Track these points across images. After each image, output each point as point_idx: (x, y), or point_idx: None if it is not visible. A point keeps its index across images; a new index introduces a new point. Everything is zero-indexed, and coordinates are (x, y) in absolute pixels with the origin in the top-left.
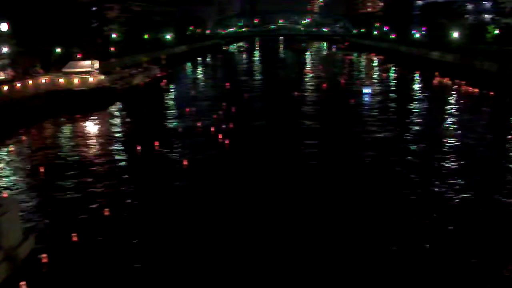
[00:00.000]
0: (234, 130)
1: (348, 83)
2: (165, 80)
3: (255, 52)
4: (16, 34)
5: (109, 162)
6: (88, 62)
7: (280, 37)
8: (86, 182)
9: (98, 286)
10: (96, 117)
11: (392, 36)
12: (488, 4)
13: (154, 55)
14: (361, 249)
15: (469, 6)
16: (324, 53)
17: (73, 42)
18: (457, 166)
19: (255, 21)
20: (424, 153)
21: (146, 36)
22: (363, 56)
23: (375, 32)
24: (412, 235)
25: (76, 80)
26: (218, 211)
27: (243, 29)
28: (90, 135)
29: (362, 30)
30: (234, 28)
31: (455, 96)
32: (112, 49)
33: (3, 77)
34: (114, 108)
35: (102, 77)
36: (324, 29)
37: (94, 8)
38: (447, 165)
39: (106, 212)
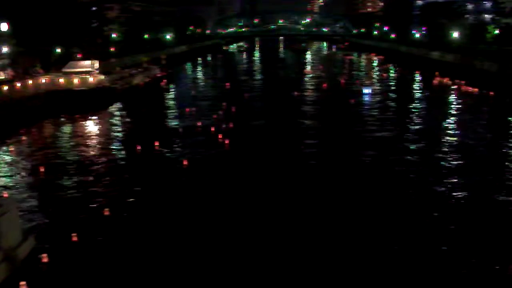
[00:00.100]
0: (234, 130)
1: (348, 83)
2: (165, 80)
3: (255, 52)
4: (16, 34)
5: (109, 162)
6: (88, 62)
7: (280, 37)
8: (86, 182)
9: (98, 286)
10: (96, 117)
11: (392, 36)
12: (488, 4)
13: (154, 55)
14: (361, 248)
15: (469, 6)
16: (324, 53)
17: (73, 42)
18: (456, 166)
19: (255, 21)
20: (424, 152)
21: (146, 36)
22: (363, 56)
23: (375, 32)
24: (412, 234)
25: (76, 80)
26: (218, 211)
27: (243, 29)
28: (90, 135)
29: (362, 30)
30: (234, 28)
31: (455, 96)
32: (112, 49)
33: (3, 77)
34: (114, 108)
35: (102, 77)
36: (324, 29)
37: (94, 8)
38: (447, 164)
39: (106, 211)
